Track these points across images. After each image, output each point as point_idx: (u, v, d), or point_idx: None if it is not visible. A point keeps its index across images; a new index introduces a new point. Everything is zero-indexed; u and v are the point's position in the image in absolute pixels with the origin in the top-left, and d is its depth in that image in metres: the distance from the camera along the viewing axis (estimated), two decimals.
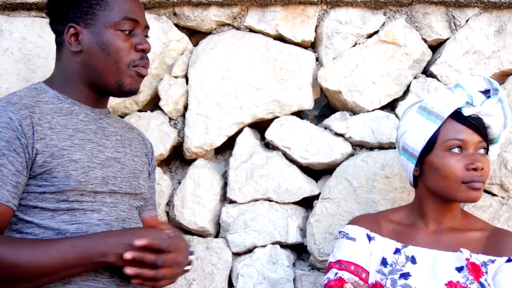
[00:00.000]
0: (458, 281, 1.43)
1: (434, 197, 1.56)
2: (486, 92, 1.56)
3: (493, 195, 1.86)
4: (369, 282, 1.53)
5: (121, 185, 1.47)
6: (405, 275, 1.49)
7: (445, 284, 1.44)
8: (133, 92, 1.49)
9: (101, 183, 1.41)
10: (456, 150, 1.49)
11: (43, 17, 1.96)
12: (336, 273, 1.53)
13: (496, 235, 1.54)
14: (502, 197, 1.86)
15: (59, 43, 1.49)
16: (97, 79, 1.46)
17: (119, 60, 1.43)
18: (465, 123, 1.50)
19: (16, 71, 1.92)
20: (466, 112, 1.51)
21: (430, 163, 1.53)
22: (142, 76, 1.48)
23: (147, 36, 1.52)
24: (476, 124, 1.51)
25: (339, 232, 1.64)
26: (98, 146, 1.45)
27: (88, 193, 1.39)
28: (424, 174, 1.56)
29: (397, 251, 1.55)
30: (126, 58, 1.44)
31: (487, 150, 1.54)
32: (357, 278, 1.51)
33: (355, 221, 1.65)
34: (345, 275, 1.52)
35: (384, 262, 1.54)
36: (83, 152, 1.40)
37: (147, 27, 1.51)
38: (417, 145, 1.54)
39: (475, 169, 1.47)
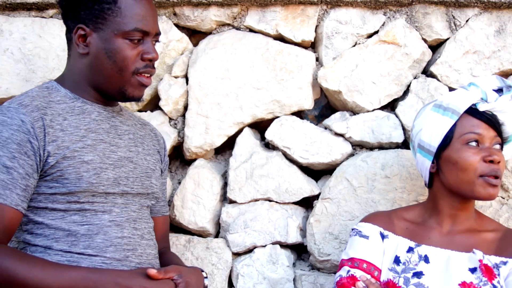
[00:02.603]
0: (471, 282, 1.44)
1: (451, 194, 1.57)
2: (498, 91, 1.59)
3: None
4: (381, 280, 1.53)
5: (133, 185, 1.47)
6: (418, 274, 1.49)
7: (459, 285, 1.45)
8: (135, 99, 1.49)
9: (113, 184, 1.41)
10: (473, 143, 1.52)
11: (43, 17, 1.96)
12: (348, 271, 1.54)
13: (509, 236, 1.55)
14: (502, 197, 1.86)
15: (69, 39, 1.48)
16: (101, 83, 1.46)
17: (124, 69, 1.42)
18: (481, 118, 1.54)
19: (16, 71, 1.92)
20: (482, 107, 1.54)
21: (447, 157, 1.54)
22: (144, 86, 1.47)
23: (157, 41, 1.51)
24: (492, 120, 1.54)
25: (352, 229, 1.65)
26: (111, 146, 1.45)
27: (99, 194, 1.39)
28: (441, 170, 1.57)
29: (410, 249, 1.55)
30: (131, 67, 1.43)
31: (501, 147, 1.57)
32: (369, 276, 1.52)
33: (368, 218, 1.66)
34: (357, 273, 1.53)
35: (397, 261, 1.55)
36: (95, 153, 1.40)
37: (158, 34, 1.49)
38: (434, 141, 1.56)
39: (492, 162, 1.49)
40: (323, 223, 1.87)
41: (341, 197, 1.87)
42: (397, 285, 1.50)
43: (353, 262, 1.56)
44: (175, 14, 2.00)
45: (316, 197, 1.93)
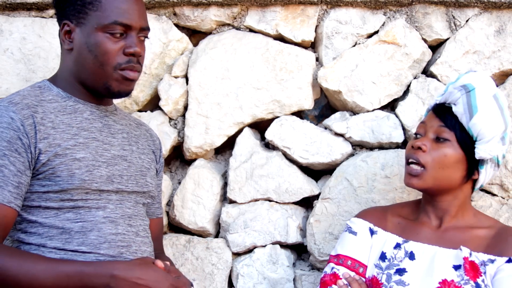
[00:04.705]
0: (452, 280, 1.42)
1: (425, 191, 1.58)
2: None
3: (493, 195, 1.86)
4: (367, 276, 1.53)
5: (128, 183, 1.47)
6: (400, 271, 1.49)
7: (439, 282, 1.42)
8: (122, 94, 1.46)
9: (106, 182, 1.41)
10: None
11: (43, 17, 1.96)
12: (333, 268, 1.55)
13: (502, 233, 1.52)
14: (502, 197, 1.86)
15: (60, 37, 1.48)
16: (86, 79, 1.44)
17: (106, 63, 1.40)
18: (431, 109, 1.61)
19: (16, 71, 1.92)
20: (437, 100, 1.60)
21: None
22: (129, 80, 1.43)
23: (146, 37, 1.48)
24: (438, 109, 1.57)
25: (346, 224, 1.66)
26: (104, 144, 1.44)
27: (93, 191, 1.38)
28: None
29: (397, 246, 1.55)
30: (112, 61, 1.40)
31: (443, 140, 1.53)
32: (353, 273, 1.52)
33: (361, 214, 1.67)
34: (340, 270, 1.54)
35: (383, 257, 1.54)
36: (87, 150, 1.39)
37: (144, 29, 1.45)
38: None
39: None
40: (323, 223, 1.87)
41: (341, 197, 1.87)
42: (380, 281, 1.49)
43: (339, 259, 1.57)
44: (175, 14, 2.00)
45: (316, 197, 1.93)
